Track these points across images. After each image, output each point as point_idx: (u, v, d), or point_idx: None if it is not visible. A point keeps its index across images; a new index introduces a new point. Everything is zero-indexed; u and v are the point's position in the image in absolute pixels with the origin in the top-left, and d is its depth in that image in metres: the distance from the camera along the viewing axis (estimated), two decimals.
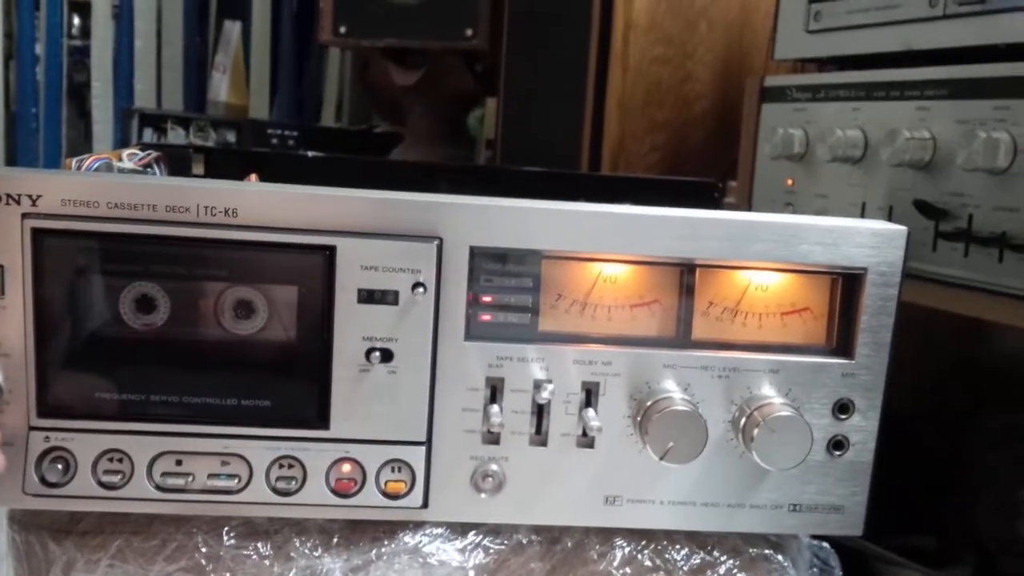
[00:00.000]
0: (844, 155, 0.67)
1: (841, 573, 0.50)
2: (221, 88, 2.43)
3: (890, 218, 0.65)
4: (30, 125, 2.37)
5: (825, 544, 0.50)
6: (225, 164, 0.66)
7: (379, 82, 1.51)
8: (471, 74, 1.45)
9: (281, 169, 0.67)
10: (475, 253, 0.42)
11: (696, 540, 0.46)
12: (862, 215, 0.67)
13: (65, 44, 2.64)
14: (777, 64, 0.83)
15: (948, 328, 0.84)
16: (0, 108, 2.48)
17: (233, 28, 2.51)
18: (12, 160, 2.52)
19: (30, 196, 0.39)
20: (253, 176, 0.59)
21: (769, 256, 0.43)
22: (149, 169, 0.58)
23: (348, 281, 0.41)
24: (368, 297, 0.41)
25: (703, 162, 1.11)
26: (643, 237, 0.42)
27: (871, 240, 0.43)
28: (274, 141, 1.46)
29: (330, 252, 0.40)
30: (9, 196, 0.39)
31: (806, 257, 0.43)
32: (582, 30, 1.10)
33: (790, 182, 0.74)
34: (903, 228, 0.43)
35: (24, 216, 0.39)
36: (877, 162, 0.66)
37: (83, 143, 2.87)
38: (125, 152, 0.58)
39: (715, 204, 0.68)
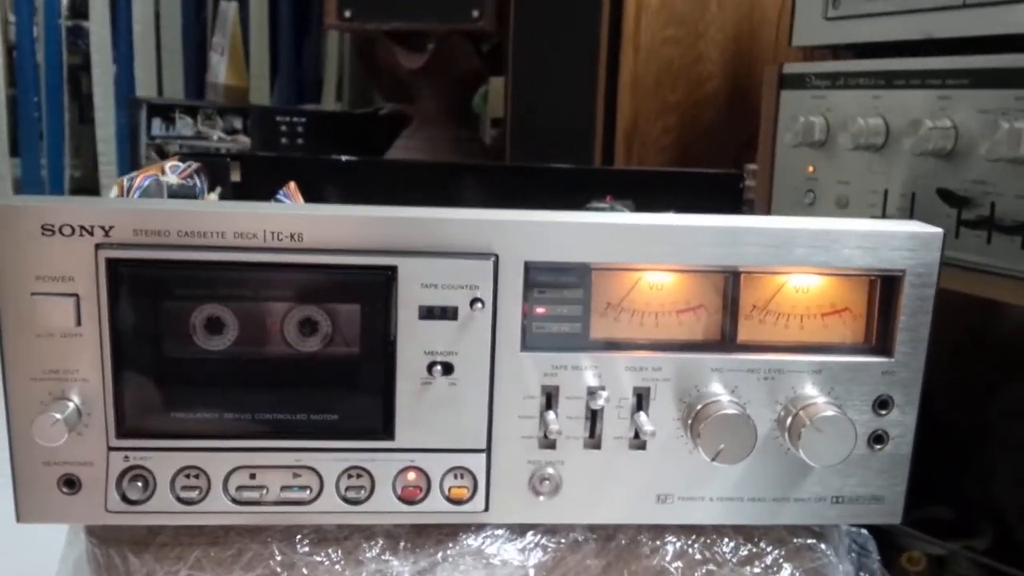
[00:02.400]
0: (866, 143, 0.69)
1: (878, 557, 0.52)
2: (220, 70, 2.43)
3: (912, 205, 0.67)
4: (32, 114, 2.37)
5: (864, 531, 0.52)
6: (260, 170, 0.67)
7: (385, 65, 1.52)
8: (477, 55, 1.46)
9: (315, 173, 0.68)
10: (529, 268, 0.43)
11: (743, 532, 0.48)
12: (884, 202, 0.69)
13: (63, 26, 2.62)
14: (787, 50, 0.84)
15: (963, 302, 0.86)
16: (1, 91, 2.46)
17: (229, 8, 2.50)
18: (14, 145, 2.51)
19: (103, 227, 0.40)
20: (292, 184, 0.60)
21: (810, 261, 0.44)
22: (190, 180, 0.59)
23: (409, 299, 0.42)
24: (428, 313, 0.43)
25: (715, 141, 1.13)
26: (688, 246, 0.44)
27: (909, 243, 0.44)
28: (283, 128, 1.47)
29: (392, 272, 0.42)
30: (83, 228, 0.40)
31: (847, 261, 0.44)
32: (592, 11, 1.11)
33: (811, 169, 0.75)
34: (939, 231, 0.45)
35: (98, 247, 0.41)
36: (899, 150, 0.67)
37: (79, 126, 2.87)
38: (167, 165, 0.59)
39: (739, 195, 0.70)
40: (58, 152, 2.47)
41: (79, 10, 2.85)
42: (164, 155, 1.60)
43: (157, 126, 1.56)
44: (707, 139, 1.13)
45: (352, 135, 1.56)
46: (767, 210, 0.79)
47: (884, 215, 0.68)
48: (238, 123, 1.63)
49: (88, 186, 2.87)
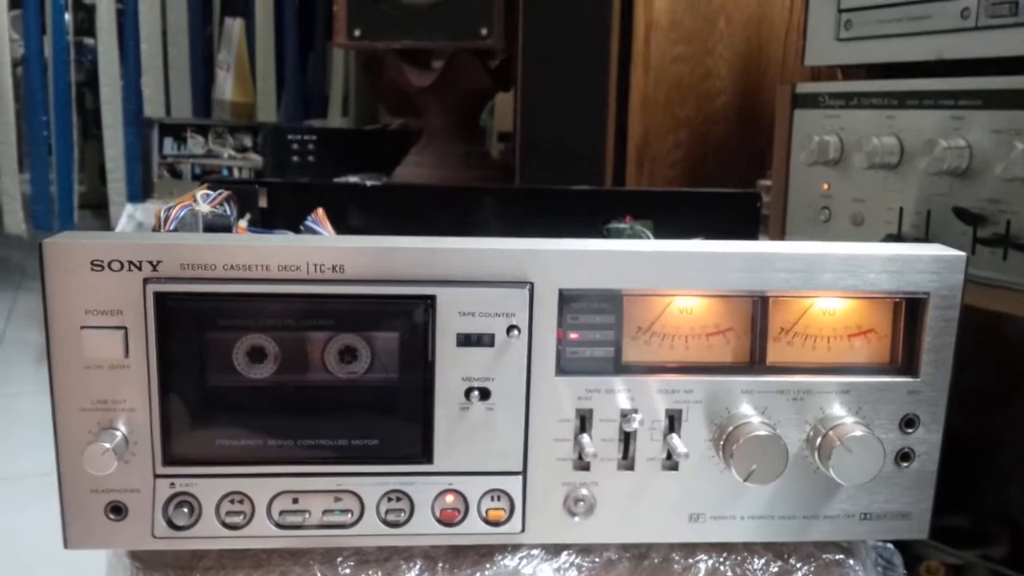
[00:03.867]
0: (881, 162, 0.70)
1: (904, 572, 0.53)
2: (226, 87, 2.44)
3: (928, 223, 0.68)
4: (41, 133, 2.38)
5: (890, 545, 0.53)
6: (286, 196, 0.68)
7: (394, 83, 1.53)
8: (486, 71, 1.47)
9: (339, 198, 0.69)
10: (563, 295, 0.44)
11: (773, 549, 0.49)
12: (899, 220, 0.70)
13: (71, 42, 2.63)
14: (795, 66, 0.85)
15: (976, 313, 0.87)
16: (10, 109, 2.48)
17: (234, 25, 2.52)
18: (22, 161, 2.53)
19: (151, 262, 0.42)
20: (320, 211, 0.61)
21: (838, 286, 0.45)
22: (221, 207, 0.60)
23: (448, 327, 0.44)
24: (466, 341, 0.44)
25: (726, 156, 1.14)
26: (718, 272, 0.45)
27: (933, 266, 0.45)
28: (295, 146, 1.48)
29: (431, 301, 0.43)
30: (131, 263, 0.42)
31: (873, 285, 0.45)
32: (602, 29, 1.12)
33: (826, 187, 0.77)
34: (962, 254, 0.46)
35: (146, 281, 0.42)
36: (913, 168, 0.69)
37: (82, 142, 2.89)
38: (198, 193, 0.60)
39: (756, 214, 0.71)
40: (67, 168, 2.49)
41: (83, 28, 2.87)
42: (176, 174, 1.61)
43: (169, 145, 1.57)
44: (718, 154, 1.14)
45: (362, 151, 1.57)
46: (782, 227, 0.81)
47: (900, 232, 0.70)
48: (248, 141, 1.64)
49: (95, 201, 2.89)
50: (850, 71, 0.81)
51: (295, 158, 1.46)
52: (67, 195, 2.45)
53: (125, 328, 0.42)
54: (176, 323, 0.42)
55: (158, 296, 0.42)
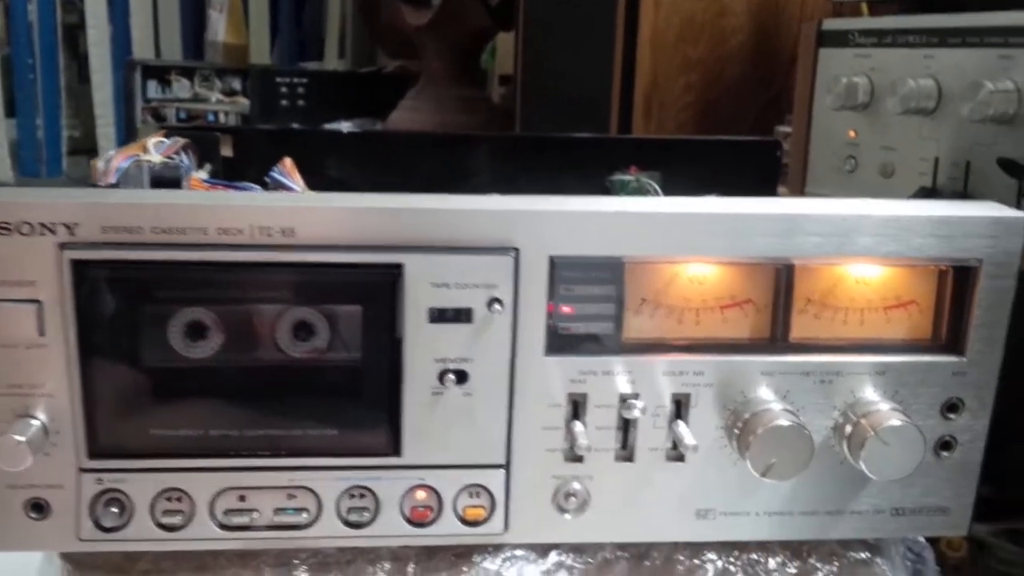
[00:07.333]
0: (916, 107, 0.63)
1: (937, 568, 0.47)
2: (219, 28, 2.36)
3: (967, 175, 0.61)
4: (27, 76, 2.30)
5: (921, 539, 0.47)
6: (254, 144, 0.62)
7: (390, 22, 1.45)
8: (486, 10, 1.39)
9: (314, 146, 0.62)
10: (555, 263, 0.38)
11: (791, 548, 0.43)
12: (935, 171, 0.63)
13: None
14: (815, 4, 0.77)
15: None
16: None
17: None
18: (11, 106, 2.45)
19: (66, 225, 0.35)
20: (287, 161, 0.55)
21: (877, 252, 0.39)
22: (176, 157, 0.53)
23: (417, 300, 0.37)
24: (440, 316, 0.37)
25: (739, 101, 1.06)
26: (736, 237, 0.38)
27: (989, 229, 0.39)
28: (283, 89, 1.40)
29: (397, 270, 0.37)
30: (43, 226, 0.35)
31: (918, 251, 0.39)
32: None
33: (852, 134, 0.69)
34: (1023, 215, 0.39)
35: (62, 246, 0.35)
36: (952, 114, 0.61)
37: (78, 86, 2.80)
38: (151, 142, 0.54)
39: (776, 164, 0.64)
40: (54, 113, 2.41)
41: None
42: (160, 119, 1.54)
43: (153, 88, 1.50)
44: (731, 97, 1.06)
45: (356, 95, 1.49)
46: (802, 178, 0.74)
47: (935, 185, 0.63)
48: (237, 84, 1.56)
49: (87, 146, 2.81)
50: (877, 6, 0.73)
51: (284, 102, 1.38)
52: (55, 140, 2.37)
53: (39, 302, 0.36)
54: (98, 296, 0.36)
55: (75, 264, 0.35)
